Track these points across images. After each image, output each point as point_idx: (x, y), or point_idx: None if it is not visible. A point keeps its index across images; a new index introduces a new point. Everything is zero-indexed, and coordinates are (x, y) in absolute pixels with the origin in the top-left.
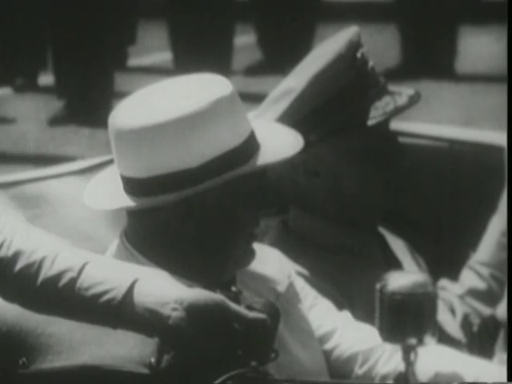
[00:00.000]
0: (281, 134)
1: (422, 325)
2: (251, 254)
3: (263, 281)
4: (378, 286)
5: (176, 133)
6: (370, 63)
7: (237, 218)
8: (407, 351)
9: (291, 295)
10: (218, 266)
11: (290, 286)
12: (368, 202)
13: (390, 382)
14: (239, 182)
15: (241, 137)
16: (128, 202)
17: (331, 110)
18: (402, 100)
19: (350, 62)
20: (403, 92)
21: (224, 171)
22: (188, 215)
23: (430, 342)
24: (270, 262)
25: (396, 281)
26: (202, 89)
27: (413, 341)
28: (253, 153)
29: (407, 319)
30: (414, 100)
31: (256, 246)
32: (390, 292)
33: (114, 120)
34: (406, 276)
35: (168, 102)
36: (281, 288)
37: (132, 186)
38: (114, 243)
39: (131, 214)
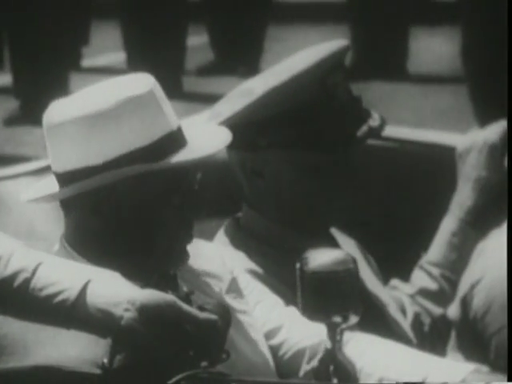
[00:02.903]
0: (209, 133)
1: (345, 302)
2: (183, 256)
3: (205, 277)
4: (297, 264)
5: (81, 131)
6: (344, 85)
7: (151, 214)
8: (332, 329)
9: (234, 290)
10: (142, 262)
11: (233, 281)
12: (312, 211)
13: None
14: (150, 179)
15: (152, 136)
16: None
17: (286, 122)
18: (361, 131)
19: (318, 81)
20: (368, 119)
21: (124, 167)
22: (97, 212)
23: (354, 319)
24: (211, 258)
25: (316, 259)
26: (115, 89)
27: (337, 318)
28: (168, 152)
29: (329, 297)
30: (372, 133)
31: (196, 242)
32: (310, 271)
33: (44, 117)
34: (325, 253)
35: (81, 102)
36: (223, 283)
37: (56, 180)
38: (56, 245)
39: (64, 214)
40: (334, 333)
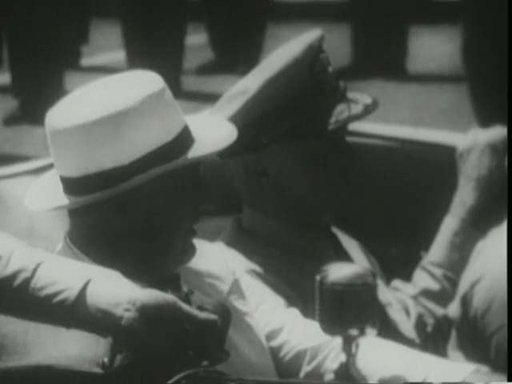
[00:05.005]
0: (215, 127)
1: (363, 315)
2: (191, 251)
3: (207, 278)
4: (318, 277)
5: (106, 131)
6: (330, 69)
7: (172, 214)
8: (348, 342)
9: (236, 292)
10: (156, 262)
11: (235, 282)
12: (318, 205)
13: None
14: (171, 177)
15: (172, 132)
16: (63, 201)
17: (284, 114)
18: (356, 109)
19: (307, 67)
20: (360, 100)
21: (153, 167)
22: (122, 212)
23: (371, 332)
24: (214, 259)
25: (336, 272)
26: (131, 86)
27: (354, 332)
28: (185, 148)
29: (347, 310)
30: (369, 109)
31: (198, 243)
32: (330, 283)
33: (49, 120)
34: (345, 267)
35: (98, 101)
36: (225, 285)
37: (68, 185)
38: (60, 244)
39: (71, 214)
40: (349, 346)
